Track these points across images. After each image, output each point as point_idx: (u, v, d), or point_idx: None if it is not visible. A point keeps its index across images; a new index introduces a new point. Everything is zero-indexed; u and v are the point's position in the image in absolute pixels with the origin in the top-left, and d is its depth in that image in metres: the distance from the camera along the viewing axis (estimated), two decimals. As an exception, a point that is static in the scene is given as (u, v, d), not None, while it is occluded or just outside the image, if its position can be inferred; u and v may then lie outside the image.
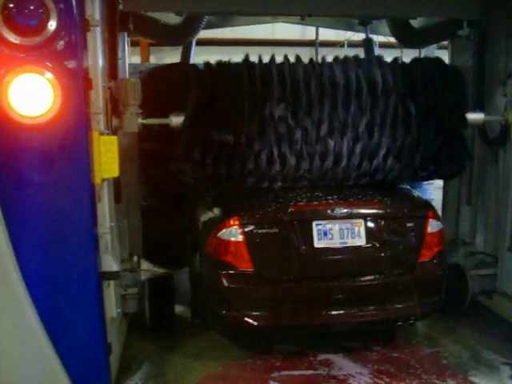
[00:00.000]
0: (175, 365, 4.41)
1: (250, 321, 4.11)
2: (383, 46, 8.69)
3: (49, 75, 3.07)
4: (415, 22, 5.68)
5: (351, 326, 4.44)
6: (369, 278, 4.23)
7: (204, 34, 10.44)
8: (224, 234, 4.14)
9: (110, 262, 3.68)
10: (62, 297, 3.38)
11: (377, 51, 7.03)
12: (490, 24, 4.96)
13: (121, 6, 4.47)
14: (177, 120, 4.40)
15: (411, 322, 4.63)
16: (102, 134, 3.54)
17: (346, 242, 4.19)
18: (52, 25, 3.04)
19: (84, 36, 3.29)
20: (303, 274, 4.18)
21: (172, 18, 5.63)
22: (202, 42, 10.74)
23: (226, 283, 4.12)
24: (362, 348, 4.55)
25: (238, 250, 4.10)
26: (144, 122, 4.35)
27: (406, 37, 5.85)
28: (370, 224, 4.26)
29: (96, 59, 3.66)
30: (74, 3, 3.10)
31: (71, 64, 3.15)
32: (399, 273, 4.27)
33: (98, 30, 3.67)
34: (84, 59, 3.25)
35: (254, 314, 4.13)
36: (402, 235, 4.32)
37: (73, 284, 3.39)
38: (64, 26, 3.08)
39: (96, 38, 3.64)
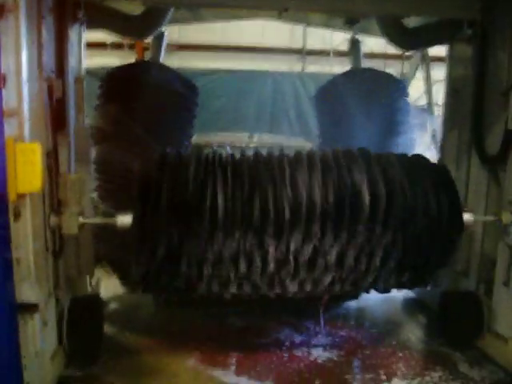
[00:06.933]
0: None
1: None
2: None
3: None
4: (409, 22, 5.09)
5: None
6: None
7: (188, 38, 10.09)
8: None
9: (27, 292, 3.10)
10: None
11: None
12: (493, 24, 4.39)
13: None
14: (124, 220, 3.67)
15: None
16: (21, 140, 2.98)
17: None
18: None
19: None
20: None
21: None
22: (187, 47, 10.33)
23: None
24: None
25: None
26: (86, 221, 3.80)
27: (398, 37, 5.27)
28: None
29: (18, 51, 3.07)
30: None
31: (-28, 55, 2.62)
32: None
33: (23, 16, 3.10)
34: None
35: None
36: None
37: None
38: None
39: (19, 26, 3.06)
